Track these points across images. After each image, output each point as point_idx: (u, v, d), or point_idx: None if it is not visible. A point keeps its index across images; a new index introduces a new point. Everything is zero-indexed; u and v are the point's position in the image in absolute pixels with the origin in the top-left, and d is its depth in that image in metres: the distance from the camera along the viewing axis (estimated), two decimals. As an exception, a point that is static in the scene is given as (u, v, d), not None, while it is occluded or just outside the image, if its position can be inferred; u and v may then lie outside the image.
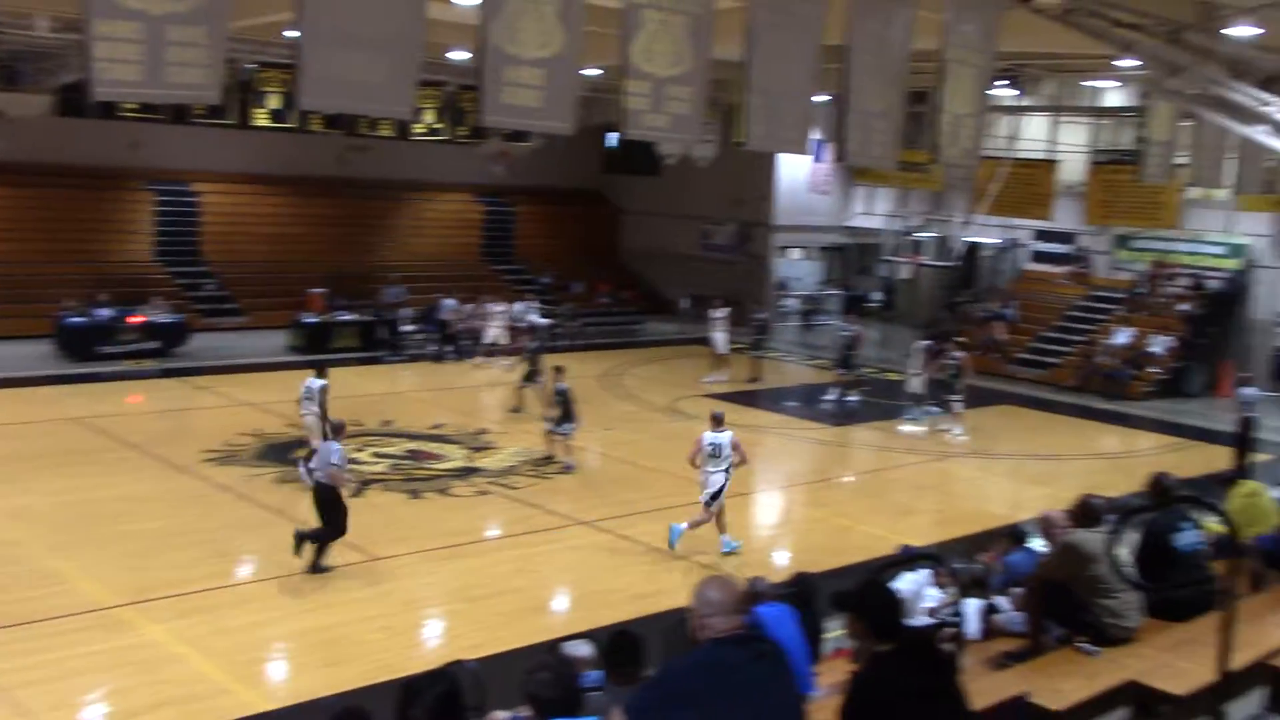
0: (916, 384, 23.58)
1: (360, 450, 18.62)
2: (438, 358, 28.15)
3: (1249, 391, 21.32)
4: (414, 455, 18.72)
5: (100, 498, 15.87)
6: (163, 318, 26.87)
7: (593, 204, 40.42)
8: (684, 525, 14.70)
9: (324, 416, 16.24)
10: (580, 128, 8.48)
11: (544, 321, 30.55)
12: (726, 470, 14.64)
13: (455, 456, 18.75)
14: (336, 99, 7.38)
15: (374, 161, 34.14)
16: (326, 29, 7.03)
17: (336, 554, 13.94)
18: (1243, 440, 20.94)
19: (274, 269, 31.66)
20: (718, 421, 15.09)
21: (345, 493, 13.37)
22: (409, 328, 29.17)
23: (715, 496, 14.61)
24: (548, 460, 18.69)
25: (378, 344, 28.40)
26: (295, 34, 7.00)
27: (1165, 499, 8.50)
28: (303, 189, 33.56)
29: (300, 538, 13.21)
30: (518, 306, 29.83)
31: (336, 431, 13.57)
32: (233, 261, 31.53)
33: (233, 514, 15.42)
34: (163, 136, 30.63)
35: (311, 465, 13.99)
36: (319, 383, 17.12)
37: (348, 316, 28.99)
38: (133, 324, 26.21)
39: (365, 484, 16.58)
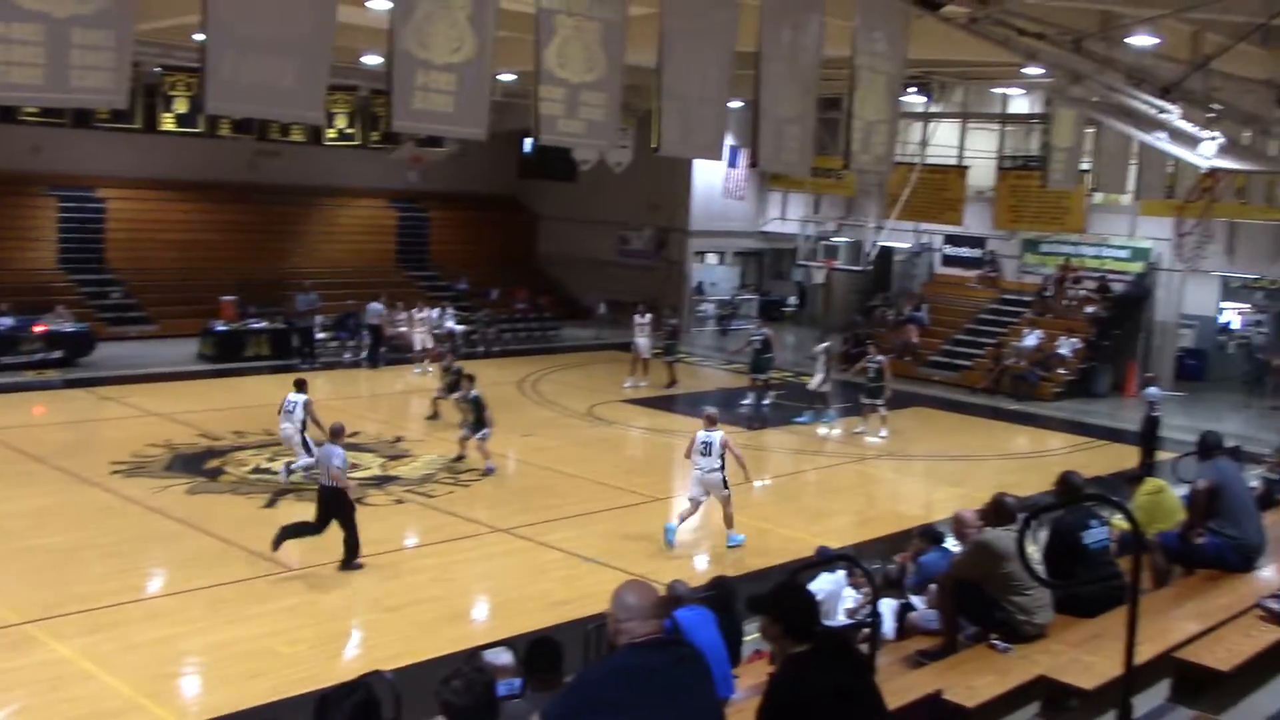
0: (816, 383, 23.78)
1: (272, 460, 18.35)
2: (373, 363, 27.84)
3: (1153, 391, 21.96)
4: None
5: (3, 513, 15.44)
6: (67, 327, 26.23)
7: (509, 210, 40.28)
8: (675, 522, 15.23)
9: (304, 428, 16.90)
10: (495, 133, 8.45)
11: (460, 328, 30.40)
12: (720, 468, 15.08)
13: (371, 465, 18.56)
14: (245, 103, 7.26)
15: (285, 167, 33.68)
16: (234, 32, 6.92)
17: (251, 567, 13.73)
18: (1147, 439, 21.54)
19: (183, 276, 31.09)
20: (711, 420, 15.53)
21: (350, 495, 13.83)
22: (323, 335, 28.84)
23: (696, 503, 15.38)
24: (460, 459, 18.62)
25: (291, 352, 28.02)
26: (202, 37, 6.88)
27: (1074, 497, 8.68)
28: (212, 195, 33.00)
29: (289, 532, 13.54)
30: (433, 313, 29.63)
31: (335, 435, 13.99)
32: (140, 269, 30.89)
33: (142, 527, 15.09)
34: (66, 141, 29.92)
35: (306, 469, 14.98)
36: (300, 398, 17.14)
37: (260, 324, 28.56)
38: (36, 333, 25.56)
39: (278, 495, 16.33)
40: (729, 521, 15.41)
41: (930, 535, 10.73)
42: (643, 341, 26.92)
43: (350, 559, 13.75)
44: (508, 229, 39.41)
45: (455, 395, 21.14)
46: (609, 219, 37.61)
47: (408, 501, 16.80)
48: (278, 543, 13.58)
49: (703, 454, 15.17)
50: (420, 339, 27.58)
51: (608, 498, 17.53)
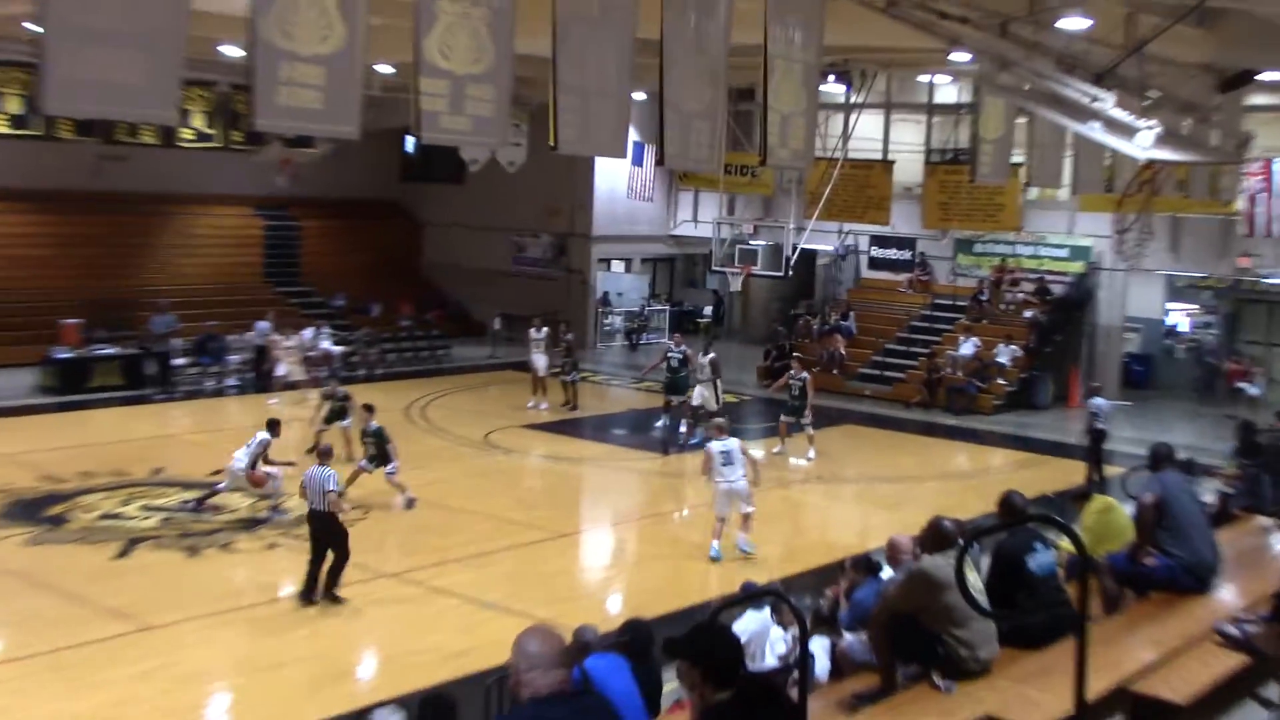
0: (699, 398, 23.66)
1: (126, 504, 17.96)
2: (261, 388, 27.44)
3: (1099, 402, 22.39)
4: (191, 507, 18.15)
5: None
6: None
7: (390, 216, 39.99)
8: (745, 535, 16.53)
9: (254, 465, 17.80)
10: (371, 132, 8.40)
11: (337, 350, 30.08)
12: (744, 475, 16.28)
13: (239, 506, 18.26)
14: (87, 102, 7.13)
15: (135, 172, 33.07)
16: (74, 22, 6.79)
17: (101, 626, 13.41)
18: (1094, 453, 22.02)
19: (18, 298, 30.31)
20: (721, 429, 16.73)
21: (343, 517, 14.54)
22: (181, 361, 28.34)
23: (723, 519, 16.42)
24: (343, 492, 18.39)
25: (145, 381, 27.49)
26: (38, 28, 6.74)
27: (1016, 519, 8.81)
28: (52, 204, 32.28)
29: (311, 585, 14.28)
30: (307, 334, 29.30)
31: (325, 457, 14.94)
32: (-32, 290, 30.10)
33: (-25, 585, 14.66)
34: (-121, 146, 29.10)
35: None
36: (264, 436, 17.99)
37: (108, 350, 27.97)
38: None
39: (133, 543, 15.99)
40: (748, 528, 16.59)
41: (865, 565, 10.83)
42: (539, 359, 26.88)
43: (333, 586, 14.31)
44: (389, 238, 39.13)
45: (343, 424, 20.91)
46: (502, 225, 37.53)
47: (281, 546, 16.54)
48: (308, 595, 14.22)
49: (725, 464, 16.26)
50: (287, 367, 27.11)
51: (508, 535, 17.44)
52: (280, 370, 27.10)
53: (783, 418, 23.24)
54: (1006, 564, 8.35)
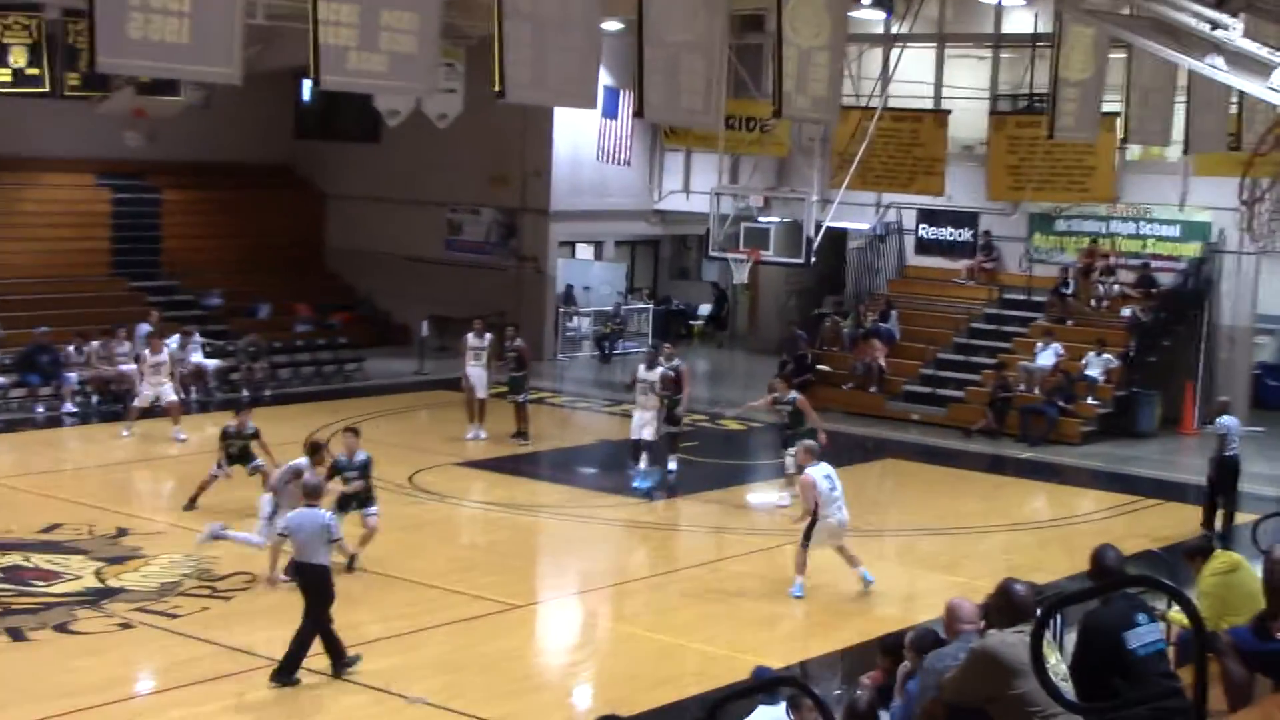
0: (648, 430, 23.60)
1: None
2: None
3: (1228, 422, 22.31)
4: (13, 575, 18.04)
5: None
6: None
7: (281, 186, 39.83)
8: (863, 569, 18.37)
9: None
10: (255, 74, 8.37)
11: (211, 364, 30.00)
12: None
13: (81, 573, 18.18)
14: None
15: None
16: None
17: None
18: (1221, 491, 21.99)
19: None
20: (813, 453, 18.44)
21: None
22: (2, 380, 28.24)
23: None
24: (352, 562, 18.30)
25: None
26: None
27: (1112, 582, 8.85)
28: None
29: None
30: (170, 343, 29.25)
31: (313, 494, 15.49)
32: None
33: None
34: None
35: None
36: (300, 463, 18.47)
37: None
38: None
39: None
40: (856, 560, 18.50)
41: (921, 643, 10.84)
42: (478, 375, 26.73)
43: (291, 668, 14.65)
44: (280, 215, 38.99)
45: (254, 466, 20.84)
46: (432, 198, 37.46)
47: (139, 625, 16.48)
48: (287, 673, 14.61)
49: (830, 489, 17.89)
50: (153, 386, 26.75)
51: (441, 607, 17.39)
52: (146, 391, 26.64)
53: (787, 455, 22.92)
54: (1099, 642, 8.39)
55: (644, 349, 31.38)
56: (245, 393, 29.82)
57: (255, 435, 21.33)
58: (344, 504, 18.62)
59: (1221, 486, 22.12)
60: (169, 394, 26.18)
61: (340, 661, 14.92)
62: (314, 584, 14.92)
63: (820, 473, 17.97)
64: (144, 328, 29.11)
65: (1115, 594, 8.61)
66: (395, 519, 21.49)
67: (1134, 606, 8.58)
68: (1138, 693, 8.23)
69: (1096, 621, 8.46)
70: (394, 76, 8.41)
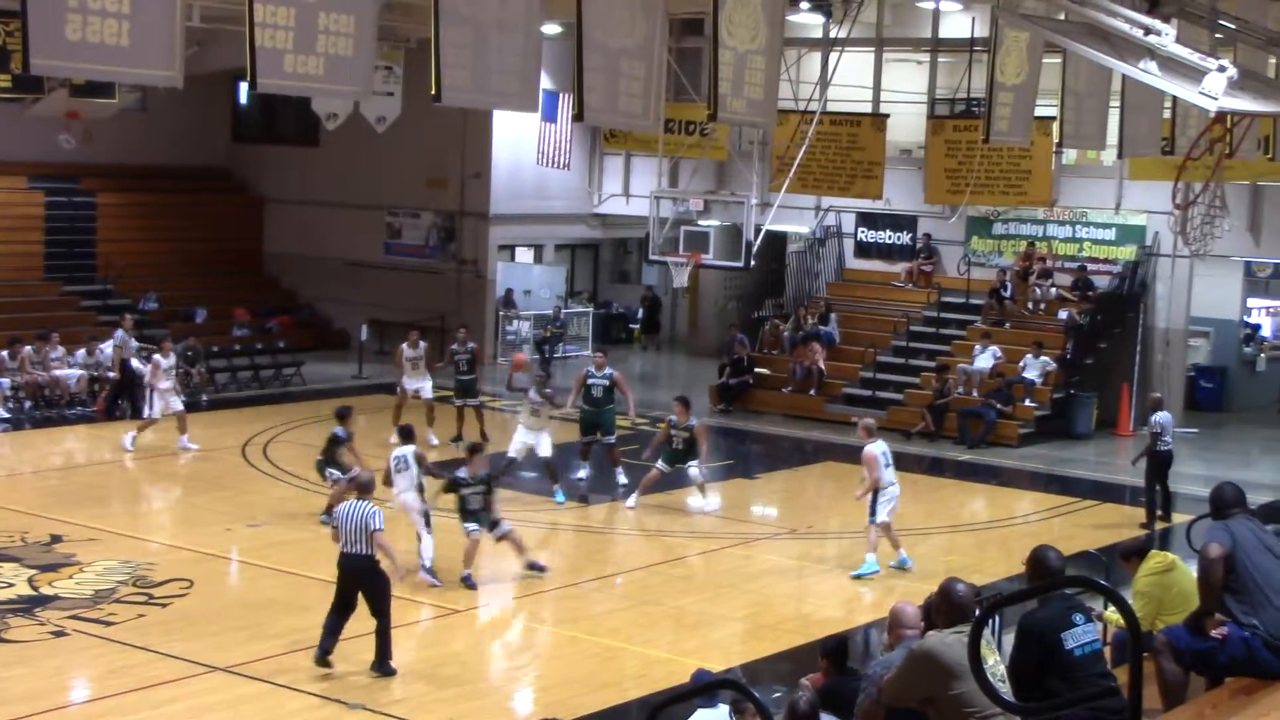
0: (533, 439, 23.38)
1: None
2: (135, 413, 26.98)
3: (1164, 418, 22.68)
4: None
5: None
6: None
7: (218, 189, 39.65)
8: (873, 555, 19.25)
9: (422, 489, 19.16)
10: (192, 76, 8.33)
11: (146, 368, 29.80)
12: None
13: (13, 580, 18.04)
14: None
15: None
16: None
17: None
18: (1157, 486, 22.29)
19: None
20: (870, 431, 19.70)
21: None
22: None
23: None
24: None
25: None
26: None
27: (1050, 584, 8.90)
28: None
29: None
30: (104, 348, 29.09)
31: (365, 489, 15.89)
32: None
33: None
34: None
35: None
36: (408, 449, 19.33)
37: None
38: None
39: None
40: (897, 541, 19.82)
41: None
42: (417, 384, 26.63)
43: (385, 655, 15.21)
44: (217, 219, 38.79)
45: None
46: (371, 201, 37.36)
47: (73, 633, 16.35)
48: (325, 654, 15.08)
49: (887, 465, 19.34)
50: (162, 396, 26.17)
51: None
52: (160, 402, 26.09)
53: (659, 464, 22.93)
54: (1037, 643, 8.43)
55: (586, 353, 31.38)
56: (180, 397, 29.53)
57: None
58: (472, 517, 18.71)
59: (1156, 480, 22.53)
60: (177, 403, 25.96)
61: (325, 651, 15.19)
62: (358, 574, 15.27)
63: (879, 449, 19.36)
64: (121, 334, 29.19)
65: (1053, 595, 8.66)
66: (334, 524, 21.44)
67: (1071, 607, 8.62)
68: (1074, 693, 8.27)
69: (1034, 622, 8.50)
70: (331, 79, 8.37)
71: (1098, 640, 8.73)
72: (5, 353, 28.65)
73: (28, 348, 28.63)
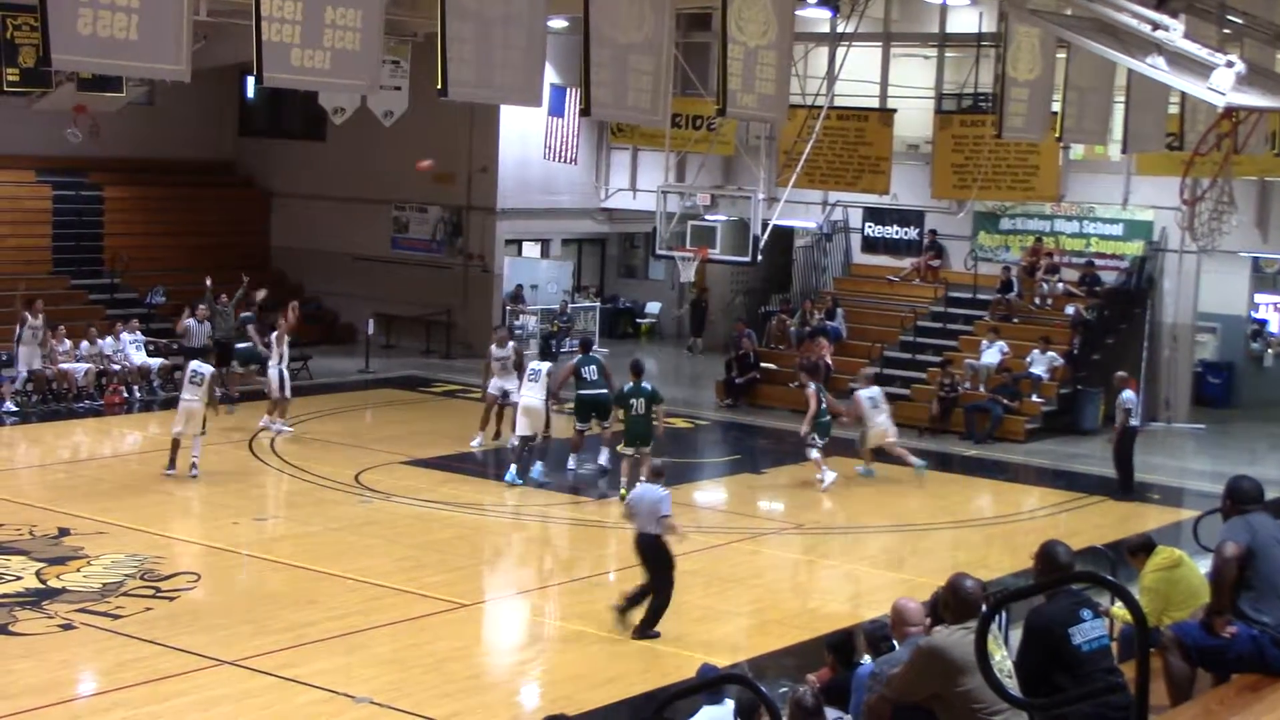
0: (525, 424, 23.68)
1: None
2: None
3: (1129, 396, 23.63)
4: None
5: None
6: None
7: (225, 184, 39.66)
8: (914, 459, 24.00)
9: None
10: (199, 71, 8.34)
11: (155, 362, 29.85)
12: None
13: (21, 574, 18.06)
14: None
15: None
16: None
17: None
18: (1125, 461, 23.02)
19: None
20: (869, 379, 24.94)
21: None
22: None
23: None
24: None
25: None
26: None
27: (1057, 579, 8.89)
28: None
29: (632, 602, 16.50)
30: (105, 342, 29.13)
31: (657, 475, 17.10)
32: None
33: None
34: None
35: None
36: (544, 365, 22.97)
37: None
38: None
39: None
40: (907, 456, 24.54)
41: (872, 639, 10.87)
42: (506, 386, 25.99)
43: (650, 625, 16.39)
44: (224, 213, 38.82)
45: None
46: (377, 196, 37.36)
47: (81, 626, 16.37)
48: (626, 611, 16.39)
49: (872, 408, 24.19)
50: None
51: (386, 607, 17.36)
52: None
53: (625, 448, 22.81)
54: (1044, 638, 8.42)
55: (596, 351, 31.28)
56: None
57: None
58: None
59: (1124, 455, 23.46)
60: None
61: (646, 627, 16.42)
62: (650, 552, 16.34)
63: (866, 394, 24.37)
64: (190, 323, 29.40)
65: (1060, 590, 8.65)
66: (341, 518, 21.47)
67: (1079, 603, 8.61)
68: (1081, 689, 8.27)
69: (1041, 618, 8.50)
70: (338, 74, 8.38)
71: (1105, 636, 8.74)
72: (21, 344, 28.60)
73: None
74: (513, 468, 23.49)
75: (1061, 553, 9.09)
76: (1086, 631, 8.45)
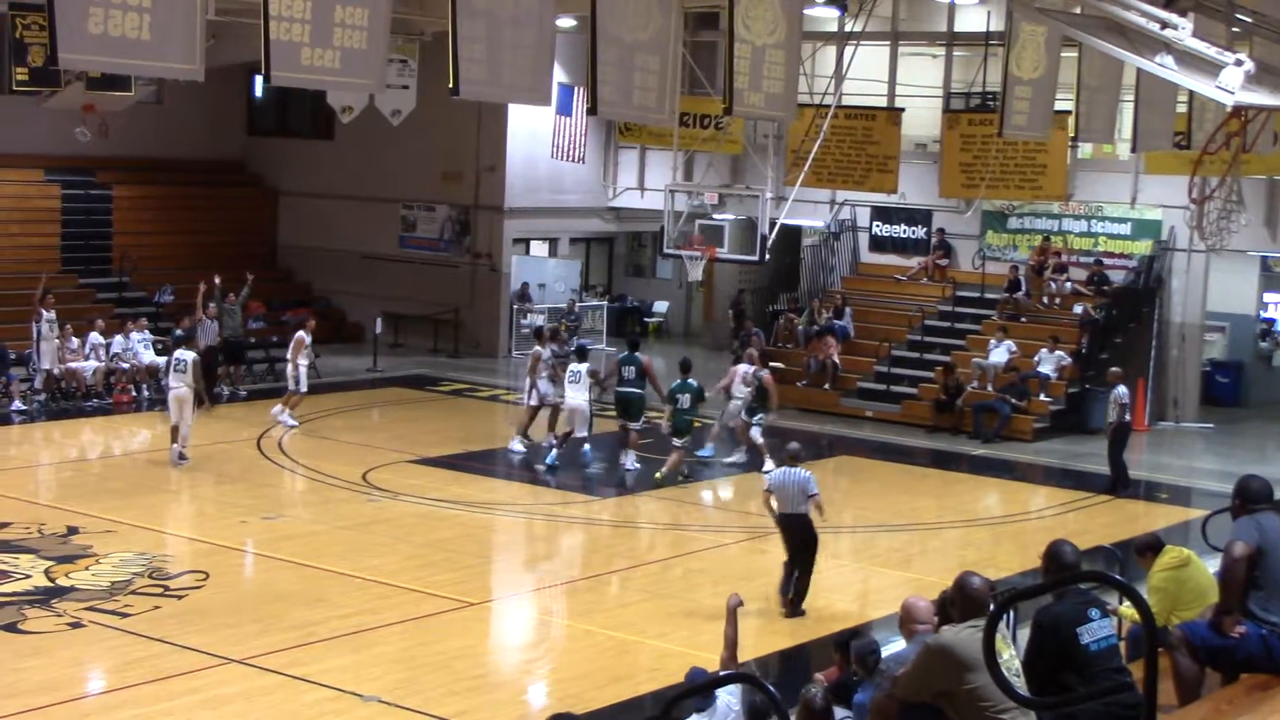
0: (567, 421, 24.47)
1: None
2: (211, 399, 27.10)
3: (1123, 391, 23.82)
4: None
5: None
6: None
7: (233, 182, 39.71)
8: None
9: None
10: (211, 70, 8.35)
11: (163, 360, 29.86)
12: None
13: (30, 572, 18.09)
14: None
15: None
16: None
17: None
18: (1117, 461, 23.27)
19: None
20: (754, 360, 25.27)
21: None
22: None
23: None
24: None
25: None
26: None
27: (1065, 578, 8.89)
28: None
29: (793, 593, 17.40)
30: (117, 341, 29.19)
31: (796, 458, 17.64)
32: None
33: None
34: None
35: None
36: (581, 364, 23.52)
37: None
38: None
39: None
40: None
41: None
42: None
43: (800, 601, 17.31)
44: (232, 211, 38.86)
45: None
46: (385, 194, 37.41)
47: (89, 624, 16.39)
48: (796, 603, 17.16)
49: (746, 385, 24.45)
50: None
51: (394, 605, 17.37)
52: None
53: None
54: (1053, 637, 8.42)
55: (600, 346, 31.41)
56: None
57: None
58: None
59: (1117, 451, 23.85)
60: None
61: (797, 604, 17.29)
62: (801, 531, 17.19)
63: (743, 369, 25.09)
64: (210, 325, 29.47)
65: (1069, 589, 8.65)
66: (349, 517, 21.50)
67: (1087, 602, 8.61)
68: (1089, 688, 8.27)
69: (1050, 617, 8.49)
70: (346, 73, 8.39)
71: (1113, 635, 8.73)
72: (48, 342, 28.61)
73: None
74: (553, 452, 24.50)
75: (1068, 552, 9.09)
76: (1095, 631, 8.45)
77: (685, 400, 23.76)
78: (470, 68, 8.81)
